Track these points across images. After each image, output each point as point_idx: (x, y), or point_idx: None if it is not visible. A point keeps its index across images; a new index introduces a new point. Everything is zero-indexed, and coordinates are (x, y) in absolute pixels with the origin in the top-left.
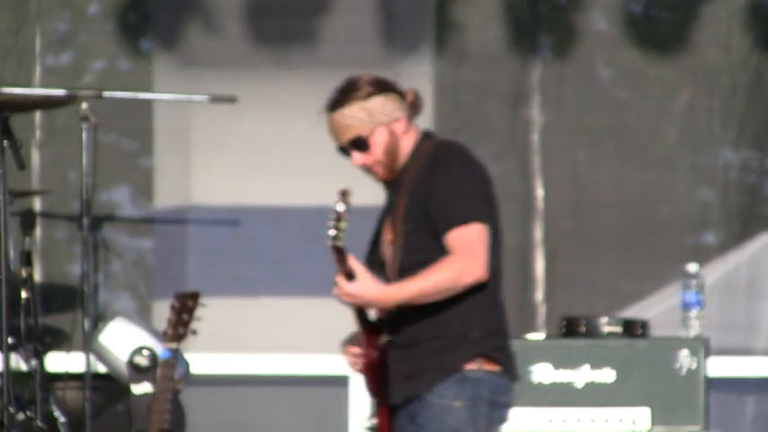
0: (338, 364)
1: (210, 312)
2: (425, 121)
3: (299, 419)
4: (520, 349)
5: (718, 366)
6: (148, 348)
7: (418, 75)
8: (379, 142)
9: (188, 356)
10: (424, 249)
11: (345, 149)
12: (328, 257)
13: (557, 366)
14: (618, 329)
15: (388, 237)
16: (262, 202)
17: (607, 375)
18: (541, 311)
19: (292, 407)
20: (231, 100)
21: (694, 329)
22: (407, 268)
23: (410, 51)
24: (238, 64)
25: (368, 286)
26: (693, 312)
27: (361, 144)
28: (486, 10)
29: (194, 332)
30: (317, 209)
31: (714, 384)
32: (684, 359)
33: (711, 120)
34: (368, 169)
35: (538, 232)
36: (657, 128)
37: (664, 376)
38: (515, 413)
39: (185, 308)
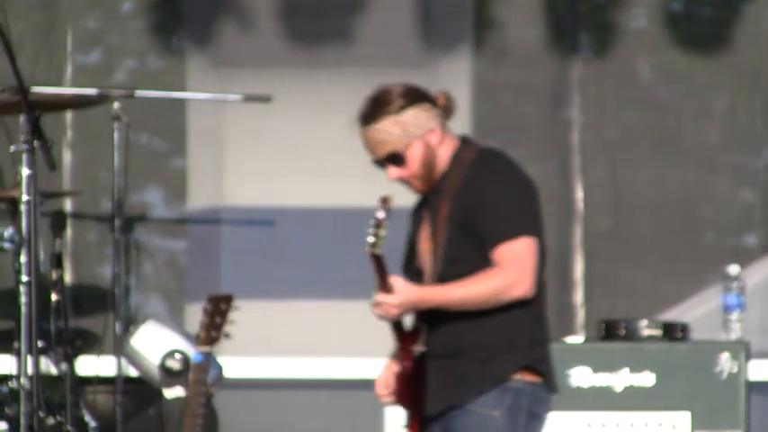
0: (372, 367)
1: (243, 315)
2: (463, 120)
3: (334, 423)
4: (559, 352)
5: (760, 370)
6: (181, 352)
7: (456, 74)
8: (415, 156)
9: (221, 360)
10: (464, 261)
11: (381, 162)
12: (363, 260)
13: (596, 370)
14: (658, 332)
15: (426, 246)
16: (295, 202)
17: (647, 379)
18: (580, 314)
19: (326, 411)
20: (265, 99)
21: (735, 332)
22: (446, 278)
23: (448, 50)
24: (272, 62)
25: (408, 292)
26: (734, 315)
27: (396, 159)
28: (525, 8)
29: (227, 335)
30: (352, 209)
31: (755, 388)
32: (725, 363)
33: (753, 120)
34: (404, 182)
35: (577, 234)
36: (698, 128)
37: (704, 380)
38: (554, 417)
39: (218, 311)
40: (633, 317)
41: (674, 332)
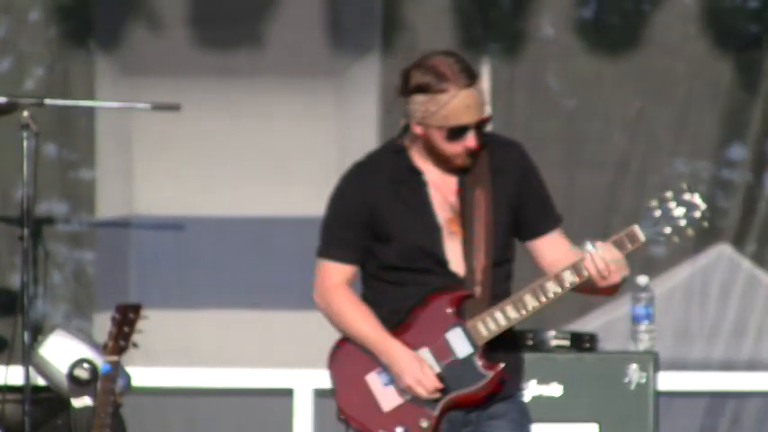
0: (283, 376)
1: (152, 324)
2: (372, 127)
3: (244, 430)
4: None
5: (668, 381)
6: (89, 361)
7: (365, 80)
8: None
9: (130, 369)
10: (511, 246)
11: (472, 126)
12: (273, 268)
13: None
14: (565, 343)
15: (452, 228)
16: (206, 210)
17: (554, 390)
18: None
19: (237, 420)
20: (174, 108)
21: (644, 343)
22: (499, 264)
23: (357, 57)
24: (182, 70)
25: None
26: (643, 326)
27: (484, 125)
28: (434, 15)
29: (135, 345)
30: (263, 217)
31: (664, 399)
32: (633, 373)
33: (662, 129)
34: (460, 156)
35: None
36: (607, 136)
37: (612, 391)
38: None
39: (126, 320)
40: (541, 327)
41: (582, 342)
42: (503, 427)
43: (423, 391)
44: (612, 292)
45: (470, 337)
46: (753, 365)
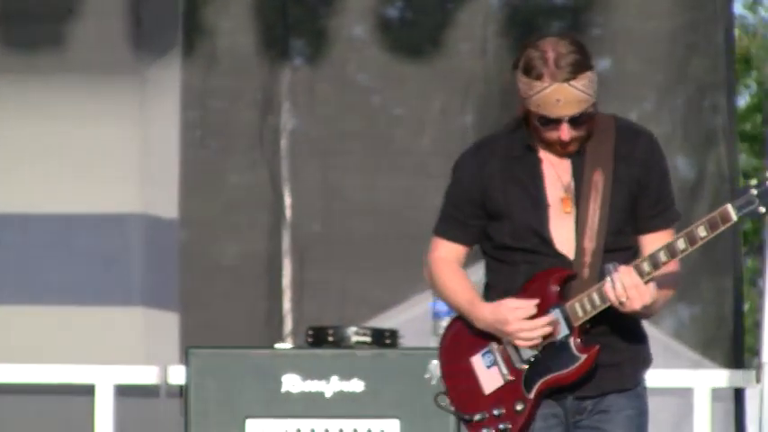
0: (84, 372)
1: None
2: (173, 127)
3: (45, 429)
4: (267, 359)
5: None
6: None
7: (166, 80)
8: (593, 118)
9: None
10: (627, 235)
11: (557, 120)
12: (77, 266)
13: (305, 377)
14: (367, 339)
15: (566, 208)
16: (7, 208)
17: (356, 386)
18: (288, 320)
19: (37, 416)
20: None
21: None
22: (610, 250)
23: (158, 57)
24: None
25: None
26: (444, 321)
27: (581, 120)
28: (236, 15)
29: None
30: (65, 215)
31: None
32: (435, 369)
33: (464, 125)
34: (564, 143)
35: (286, 240)
36: (411, 134)
37: (413, 387)
38: (264, 424)
39: None
40: (342, 323)
41: (383, 339)
42: (615, 422)
43: (526, 335)
44: (644, 316)
45: (568, 317)
46: None
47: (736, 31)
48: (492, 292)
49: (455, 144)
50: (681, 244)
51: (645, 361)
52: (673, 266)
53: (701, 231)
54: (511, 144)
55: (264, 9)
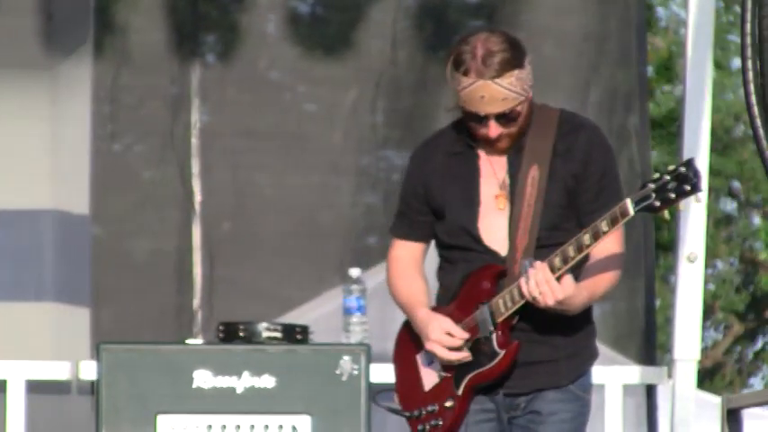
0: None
1: None
2: (84, 124)
3: None
4: (179, 355)
5: (381, 373)
6: None
7: (78, 77)
8: (524, 115)
9: None
10: (564, 230)
11: (485, 117)
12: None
13: (216, 373)
14: (277, 335)
15: (498, 205)
16: None
17: (267, 381)
18: (199, 317)
19: None
20: None
21: (356, 335)
22: (544, 246)
23: (70, 53)
24: None
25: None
26: (355, 318)
27: (509, 117)
28: (146, 12)
29: None
30: None
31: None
32: (346, 365)
33: (375, 121)
34: (491, 140)
35: (197, 236)
36: (322, 130)
37: (325, 383)
38: (174, 419)
39: None
40: (253, 319)
41: (294, 334)
42: (546, 425)
43: (440, 352)
44: (566, 312)
45: (492, 314)
46: None
47: (657, 37)
48: (441, 289)
49: (366, 141)
50: (586, 239)
51: (588, 357)
52: (613, 249)
53: (604, 226)
54: (455, 140)
55: (175, 5)
